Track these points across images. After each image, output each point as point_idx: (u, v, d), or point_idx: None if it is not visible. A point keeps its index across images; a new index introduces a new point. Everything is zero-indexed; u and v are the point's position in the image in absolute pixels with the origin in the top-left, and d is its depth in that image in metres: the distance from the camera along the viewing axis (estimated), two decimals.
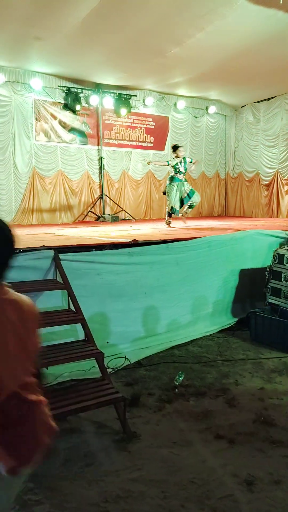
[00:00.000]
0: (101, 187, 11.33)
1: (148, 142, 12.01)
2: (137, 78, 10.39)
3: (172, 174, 8.25)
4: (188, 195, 8.16)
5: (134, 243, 5.18)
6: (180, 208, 8.22)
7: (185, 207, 8.39)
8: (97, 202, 11.29)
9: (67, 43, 7.83)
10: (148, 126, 12.04)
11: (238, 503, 2.48)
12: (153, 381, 4.10)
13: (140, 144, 11.88)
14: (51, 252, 4.40)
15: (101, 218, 10.92)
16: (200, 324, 5.52)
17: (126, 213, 11.46)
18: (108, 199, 11.44)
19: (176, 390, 3.87)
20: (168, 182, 8.36)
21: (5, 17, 6.75)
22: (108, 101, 10.95)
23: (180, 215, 8.46)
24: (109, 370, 4.09)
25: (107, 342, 4.67)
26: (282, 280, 5.33)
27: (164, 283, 5.18)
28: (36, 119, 10.21)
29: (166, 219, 8.45)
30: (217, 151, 13.55)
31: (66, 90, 10.38)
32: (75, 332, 4.34)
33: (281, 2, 6.05)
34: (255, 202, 12.77)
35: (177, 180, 8.16)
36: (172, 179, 8.22)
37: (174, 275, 5.28)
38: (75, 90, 10.45)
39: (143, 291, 5.01)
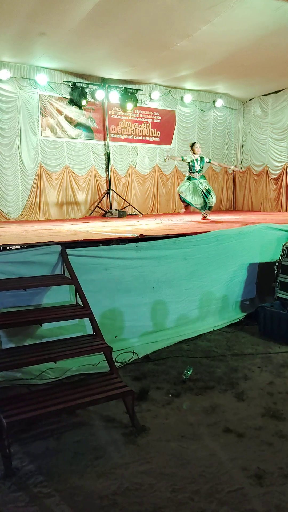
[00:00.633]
0: (107, 182, 11.33)
1: (154, 136, 11.97)
2: (143, 72, 10.33)
3: (188, 174, 8.03)
4: (205, 194, 7.90)
5: (141, 238, 5.17)
6: (201, 202, 7.97)
7: (205, 209, 8.14)
8: (104, 197, 11.29)
9: (72, 37, 7.81)
10: (155, 121, 11.99)
11: (247, 497, 2.47)
12: (162, 375, 4.10)
13: (146, 138, 11.84)
14: (58, 247, 4.40)
15: (108, 213, 10.92)
16: (208, 318, 5.50)
17: (133, 208, 11.44)
18: (115, 194, 11.43)
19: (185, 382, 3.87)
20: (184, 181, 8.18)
21: (10, 13, 6.74)
22: (114, 96, 10.91)
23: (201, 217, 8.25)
24: (117, 364, 4.09)
25: (116, 336, 4.67)
26: None
27: (172, 278, 5.17)
28: (42, 114, 10.21)
29: (204, 212, 8.14)
30: (224, 145, 13.47)
31: (71, 85, 10.37)
32: (83, 327, 4.35)
33: None
34: (264, 196, 12.68)
35: (193, 179, 7.94)
36: (188, 178, 8.01)
37: (182, 269, 5.26)
38: (81, 85, 10.43)
39: (151, 286, 5.00)
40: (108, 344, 3.67)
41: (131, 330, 4.86)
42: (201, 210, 8.13)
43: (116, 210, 11.01)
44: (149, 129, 11.93)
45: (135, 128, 11.71)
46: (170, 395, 3.69)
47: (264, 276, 5.93)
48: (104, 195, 11.28)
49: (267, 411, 3.39)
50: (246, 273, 5.90)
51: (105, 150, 11.28)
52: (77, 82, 10.39)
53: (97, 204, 11.13)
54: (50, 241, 4.54)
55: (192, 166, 7.92)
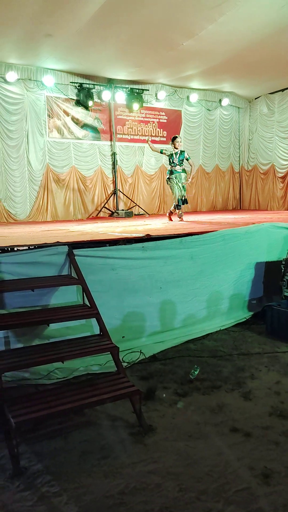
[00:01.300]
0: (114, 182, 11.35)
1: (161, 136, 11.97)
2: (149, 72, 10.34)
3: (169, 167, 8.17)
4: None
5: (148, 238, 5.18)
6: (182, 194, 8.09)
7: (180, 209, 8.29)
8: (111, 198, 11.31)
9: (78, 39, 7.84)
10: (161, 120, 11.99)
11: (255, 496, 2.47)
12: (169, 375, 4.11)
13: (153, 138, 11.82)
14: (66, 248, 4.43)
15: (115, 214, 10.95)
16: (215, 318, 5.50)
17: (140, 208, 11.46)
18: (121, 195, 11.45)
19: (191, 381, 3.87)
20: (167, 175, 8.27)
21: (16, 15, 6.79)
22: (120, 96, 10.94)
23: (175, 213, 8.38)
24: (124, 364, 4.11)
25: (123, 337, 4.69)
26: None
27: (179, 278, 5.17)
28: (49, 116, 10.26)
29: (178, 212, 8.29)
30: (231, 143, 13.44)
31: (78, 86, 10.41)
32: (90, 327, 4.37)
33: None
34: (271, 194, 12.62)
35: (175, 172, 8.05)
36: (171, 172, 8.12)
37: (189, 269, 5.26)
38: (87, 86, 10.47)
39: (158, 286, 5.01)
40: (116, 344, 3.69)
41: (139, 330, 4.88)
42: (179, 205, 8.17)
43: (122, 210, 11.04)
44: (156, 129, 11.93)
45: (141, 128, 11.73)
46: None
47: (271, 275, 5.91)
48: (111, 195, 11.30)
49: (274, 411, 3.39)
50: (253, 272, 5.89)
51: (111, 150, 11.31)
52: (83, 83, 10.42)
53: (104, 205, 11.16)
54: (58, 241, 4.57)
55: (171, 159, 8.03)
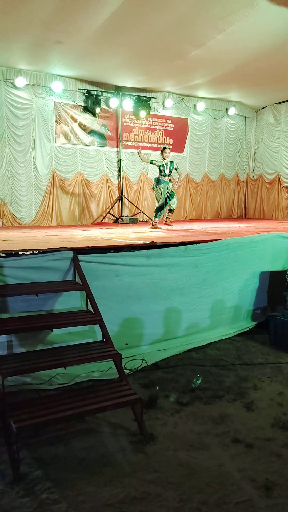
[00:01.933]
0: (119, 189, 11.39)
1: (167, 144, 12.00)
2: (157, 80, 10.41)
3: (158, 176, 8.35)
4: (168, 197, 8.29)
5: (152, 245, 5.18)
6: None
7: (166, 212, 8.60)
8: (116, 204, 11.34)
9: (87, 46, 7.91)
10: (167, 128, 12.05)
11: (256, 508, 2.45)
12: (171, 383, 4.09)
13: (159, 146, 11.87)
14: (70, 253, 4.43)
15: (120, 220, 10.97)
16: (219, 327, 5.47)
17: (144, 215, 11.47)
18: (126, 201, 11.48)
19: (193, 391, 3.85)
20: (154, 183, 8.45)
21: (26, 22, 6.86)
22: (128, 104, 11.01)
23: (162, 220, 8.69)
24: (126, 371, 4.09)
25: (126, 344, 4.67)
26: None
27: (183, 286, 5.16)
28: (56, 121, 10.33)
29: (162, 217, 8.62)
30: (236, 152, 13.48)
31: (86, 93, 10.49)
32: (93, 333, 4.36)
33: None
34: (276, 204, 12.63)
35: (162, 182, 8.25)
36: (158, 181, 8.31)
37: (193, 277, 5.25)
38: (95, 92, 10.55)
39: (162, 293, 5.00)
40: (118, 351, 3.68)
41: (142, 337, 4.86)
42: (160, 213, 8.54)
43: (127, 216, 11.06)
44: (162, 136, 11.99)
45: (148, 136, 11.78)
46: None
47: (275, 285, 5.89)
48: (116, 201, 11.34)
49: (276, 422, 3.36)
50: (257, 281, 5.87)
51: (117, 157, 11.36)
52: (91, 90, 10.50)
53: (109, 211, 11.19)
54: (63, 247, 4.58)
55: (163, 169, 8.22)
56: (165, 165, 8.21)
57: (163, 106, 11.66)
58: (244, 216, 13.85)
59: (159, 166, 8.25)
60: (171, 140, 12.09)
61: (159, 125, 11.91)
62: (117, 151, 11.33)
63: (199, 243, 5.44)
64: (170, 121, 12.04)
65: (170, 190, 8.33)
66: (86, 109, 10.63)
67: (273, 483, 2.65)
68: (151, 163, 8.58)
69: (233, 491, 2.59)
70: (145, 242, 5.32)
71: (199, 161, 12.68)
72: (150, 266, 4.93)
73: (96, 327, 4.14)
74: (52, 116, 10.27)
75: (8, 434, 2.99)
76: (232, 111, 12.69)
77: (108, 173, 11.27)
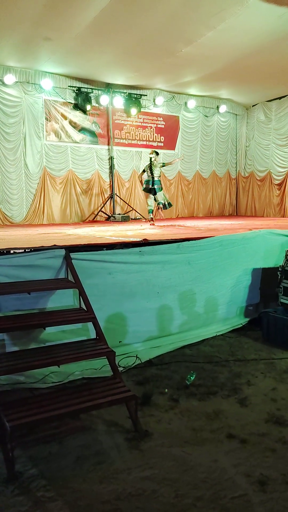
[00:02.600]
0: (111, 186, 11.36)
1: (158, 141, 12.01)
2: (148, 77, 10.39)
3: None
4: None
5: (145, 243, 5.18)
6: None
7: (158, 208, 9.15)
8: (108, 202, 11.31)
9: (77, 43, 7.86)
10: (159, 126, 12.03)
11: (251, 503, 2.46)
12: (165, 380, 4.10)
13: (150, 143, 11.87)
14: (62, 251, 4.41)
15: (112, 218, 10.94)
16: (212, 324, 5.49)
17: (137, 213, 11.46)
18: (118, 199, 11.46)
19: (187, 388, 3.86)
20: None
21: (15, 18, 6.80)
22: (118, 101, 10.97)
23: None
24: (120, 369, 4.09)
25: (120, 341, 4.67)
26: None
27: (176, 283, 5.17)
28: (46, 119, 10.27)
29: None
30: (228, 150, 13.51)
31: (76, 90, 10.43)
32: (87, 331, 4.35)
33: None
34: (267, 201, 12.69)
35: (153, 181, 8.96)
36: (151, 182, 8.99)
37: (186, 274, 5.26)
38: (85, 90, 10.49)
39: (155, 290, 5.00)
40: (112, 348, 3.67)
41: (135, 335, 4.86)
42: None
43: (119, 214, 11.04)
44: (153, 134, 11.97)
45: (139, 133, 11.76)
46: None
47: (268, 282, 5.92)
48: (108, 199, 11.30)
49: (270, 417, 3.38)
50: (250, 278, 5.90)
51: (109, 154, 11.32)
52: (81, 87, 10.45)
53: (101, 209, 11.16)
54: (54, 245, 4.56)
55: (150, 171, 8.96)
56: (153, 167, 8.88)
57: (154, 103, 11.65)
58: (236, 213, 13.90)
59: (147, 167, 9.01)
60: (163, 137, 12.08)
61: (150, 123, 11.89)
62: (108, 149, 11.29)
63: (192, 240, 5.44)
64: (161, 119, 12.03)
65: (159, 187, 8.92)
66: (76, 107, 10.58)
67: (268, 478, 2.67)
68: (163, 166, 9.32)
69: (228, 486, 2.61)
70: (138, 239, 5.32)
71: (191, 159, 12.69)
72: (143, 264, 4.93)
73: (90, 325, 4.13)
74: (42, 114, 10.20)
75: (2, 433, 2.96)
76: (223, 108, 12.71)
77: (100, 170, 11.23)
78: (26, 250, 4.52)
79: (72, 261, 4.37)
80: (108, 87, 10.80)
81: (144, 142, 11.81)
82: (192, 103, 12.08)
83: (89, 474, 2.72)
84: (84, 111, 10.68)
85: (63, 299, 4.32)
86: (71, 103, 10.54)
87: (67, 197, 10.74)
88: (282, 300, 5.42)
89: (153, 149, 9.38)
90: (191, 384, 3.95)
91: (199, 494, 2.54)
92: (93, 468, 2.78)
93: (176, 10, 6.55)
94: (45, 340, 4.18)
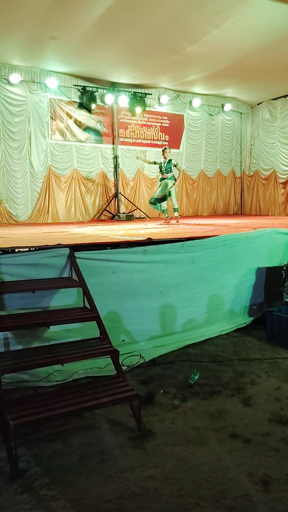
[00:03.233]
0: (116, 185, 11.37)
1: (163, 140, 11.99)
2: (152, 76, 10.38)
3: (159, 174, 9.07)
4: (168, 193, 8.77)
5: (149, 242, 5.18)
6: (160, 203, 8.92)
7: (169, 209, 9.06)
8: (112, 201, 11.32)
9: (82, 42, 7.86)
10: (163, 125, 12.02)
11: (254, 503, 2.46)
12: (168, 379, 4.10)
13: (155, 142, 11.87)
14: (67, 250, 4.42)
15: (116, 217, 10.95)
16: (216, 323, 5.48)
17: (141, 212, 11.46)
18: (123, 198, 11.46)
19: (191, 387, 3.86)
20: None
21: (21, 17, 6.81)
22: (123, 100, 10.97)
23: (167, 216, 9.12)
24: (124, 368, 4.09)
25: (123, 340, 4.67)
26: None
27: (180, 282, 5.16)
28: (51, 118, 10.29)
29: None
30: (232, 149, 13.47)
31: (81, 89, 10.44)
32: (91, 330, 4.34)
33: None
34: (272, 200, 12.64)
35: (160, 179, 8.93)
36: (160, 180, 8.96)
37: (190, 274, 5.25)
38: (90, 89, 10.50)
39: (159, 289, 5.00)
40: (116, 347, 3.67)
41: (139, 334, 4.86)
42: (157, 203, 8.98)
43: (124, 213, 11.04)
44: (158, 133, 11.96)
45: (144, 132, 11.76)
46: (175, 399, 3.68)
47: (272, 281, 5.90)
48: (112, 198, 11.31)
49: (274, 417, 3.37)
50: (254, 277, 5.88)
51: (113, 153, 11.33)
52: (86, 86, 10.46)
53: (105, 207, 11.17)
54: (59, 244, 4.57)
55: (160, 167, 8.89)
56: (163, 163, 8.75)
57: (159, 102, 11.64)
58: (240, 212, 13.87)
59: (159, 164, 8.83)
60: (167, 136, 12.06)
61: (155, 122, 11.89)
62: (113, 148, 11.30)
63: (196, 239, 5.44)
64: (166, 117, 12.02)
65: (171, 188, 8.72)
66: (81, 106, 10.59)
67: (271, 477, 2.66)
68: (155, 163, 9.26)
69: (231, 486, 2.60)
70: (142, 238, 5.32)
71: (195, 158, 12.68)
72: (147, 263, 4.93)
73: (93, 323, 4.13)
74: (47, 113, 10.23)
75: (6, 431, 2.98)
76: (228, 107, 12.68)
77: (104, 169, 11.24)
78: (31, 249, 4.53)
79: (76, 260, 4.38)
80: (113, 86, 10.81)
81: (149, 141, 11.81)
82: (197, 102, 12.06)
83: (92, 473, 2.73)
84: (89, 110, 10.69)
85: (67, 298, 4.33)
86: (76, 102, 10.56)
87: (71, 196, 10.76)
88: (286, 299, 5.40)
89: (166, 146, 9.26)
90: (195, 383, 3.95)
91: (202, 493, 2.54)
92: (97, 467, 2.79)
93: (181, 9, 6.53)
94: (49, 339, 4.19)
